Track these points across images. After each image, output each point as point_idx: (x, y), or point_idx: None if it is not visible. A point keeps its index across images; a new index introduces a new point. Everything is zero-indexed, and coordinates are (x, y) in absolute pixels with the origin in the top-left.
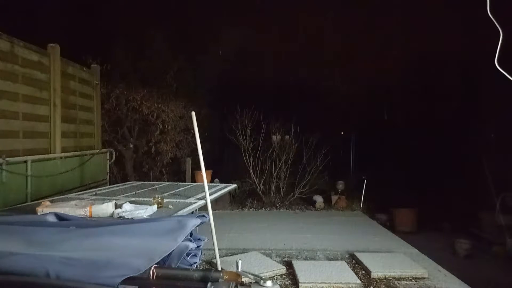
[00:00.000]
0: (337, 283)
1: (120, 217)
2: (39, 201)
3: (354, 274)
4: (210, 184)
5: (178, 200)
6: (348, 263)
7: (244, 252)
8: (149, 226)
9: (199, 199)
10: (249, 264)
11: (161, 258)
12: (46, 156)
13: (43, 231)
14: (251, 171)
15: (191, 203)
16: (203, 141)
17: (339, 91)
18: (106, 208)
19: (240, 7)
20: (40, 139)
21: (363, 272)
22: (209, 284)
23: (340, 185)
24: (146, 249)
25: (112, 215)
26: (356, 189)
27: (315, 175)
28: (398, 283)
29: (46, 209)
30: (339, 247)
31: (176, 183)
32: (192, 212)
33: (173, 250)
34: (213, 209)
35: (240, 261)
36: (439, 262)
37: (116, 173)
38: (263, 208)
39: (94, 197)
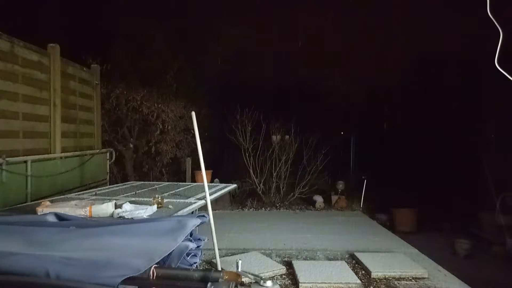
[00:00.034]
0: (337, 283)
1: (120, 217)
2: (39, 201)
3: (354, 274)
4: (210, 184)
5: (178, 200)
6: (348, 263)
7: (244, 252)
8: (149, 226)
9: (199, 199)
10: (249, 264)
11: (161, 258)
12: (46, 156)
13: (43, 231)
14: (251, 171)
15: (191, 203)
16: (203, 141)
17: (339, 91)
18: (106, 208)
19: (240, 7)
20: (40, 139)
21: (363, 272)
22: (209, 284)
23: (340, 185)
24: (146, 249)
25: (112, 215)
26: (356, 189)
27: (315, 175)
28: (398, 283)
29: (46, 209)
30: (339, 247)
31: (176, 183)
32: (192, 212)
33: (173, 250)
34: (213, 209)
35: (240, 261)
36: (439, 262)
37: (116, 173)
38: (263, 208)
39: (94, 197)
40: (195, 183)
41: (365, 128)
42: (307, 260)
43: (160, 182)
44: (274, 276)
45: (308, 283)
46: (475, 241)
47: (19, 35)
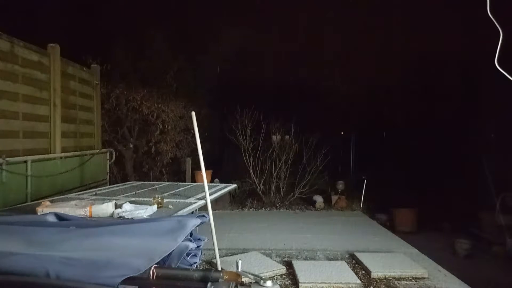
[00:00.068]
0: (337, 283)
1: (120, 217)
2: (39, 201)
3: (354, 274)
4: (210, 184)
5: (178, 200)
6: (348, 263)
7: (244, 252)
8: (149, 226)
9: (199, 199)
10: (249, 264)
11: (161, 258)
12: (46, 156)
13: (43, 231)
14: (251, 171)
15: (191, 203)
16: (203, 141)
17: (339, 91)
18: (106, 208)
19: (240, 7)
20: (40, 139)
21: (363, 272)
22: (209, 284)
23: (340, 185)
24: (146, 249)
25: (112, 215)
26: (356, 189)
27: (315, 175)
28: (398, 283)
29: (46, 209)
30: (339, 247)
31: (176, 183)
32: (192, 212)
33: (173, 250)
34: (213, 209)
35: (240, 261)
36: (439, 262)
37: (116, 173)
38: (263, 208)
39: (94, 197)
40: (195, 183)
41: (365, 128)
42: (307, 260)
43: (160, 182)
44: (274, 276)
45: (308, 283)
46: (475, 241)
47: (19, 35)
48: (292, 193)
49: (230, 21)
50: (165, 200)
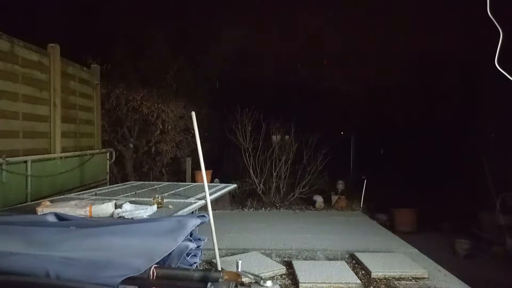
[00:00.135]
0: (337, 283)
1: (120, 217)
2: (39, 201)
3: (354, 274)
4: (210, 184)
5: (178, 200)
6: (348, 263)
7: (244, 252)
8: (149, 226)
9: (199, 199)
10: (249, 264)
11: (161, 258)
12: (46, 156)
13: (43, 231)
14: (251, 171)
15: (191, 203)
16: (203, 141)
17: (339, 91)
18: (106, 208)
19: (240, 7)
20: (40, 139)
21: (363, 272)
22: (209, 284)
23: (340, 185)
24: (146, 249)
25: (112, 215)
26: (356, 189)
27: (315, 175)
28: (398, 283)
29: (46, 209)
30: (339, 247)
31: (176, 183)
32: (192, 212)
33: (173, 250)
34: (213, 209)
35: (240, 261)
36: (439, 262)
37: (116, 173)
38: (263, 208)
39: (94, 197)
40: (195, 183)
41: (365, 128)
42: (307, 260)
43: (160, 182)
44: (274, 276)
45: (308, 283)
46: (475, 241)
47: (19, 35)
48: (292, 193)
49: (230, 21)
50: (165, 200)
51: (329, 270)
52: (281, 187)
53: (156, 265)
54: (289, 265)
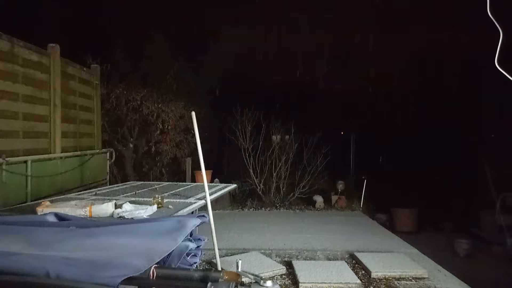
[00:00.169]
0: (337, 283)
1: (120, 217)
2: (39, 201)
3: (354, 274)
4: (210, 184)
5: (178, 200)
6: (348, 263)
7: (244, 252)
8: (149, 226)
9: (199, 199)
10: (249, 264)
11: (161, 258)
12: (46, 156)
13: (43, 231)
14: (251, 171)
15: (191, 203)
16: (203, 141)
17: (339, 91)
18: (106, 208)
19: (240, 7)
20: (40, 139)
21: (363, 272)
22: (209, 284)
23: (340, 185)
24: (146, 249)
25: (112, 215)
26: (356, 189)
27: (315, 175)
28: (398, 283)
29: (46, 209)
30: (339, 247)
31: (176, 183)
32: (192, 212)
33: (173, 250)
34: (213, 209)
35: (240, 261)
36: (439, 262)
37: (116, 173)
38: (263, 208)
39: (94, 197)
40: (195, 183)
41: (365, 128)
42: (307, 260)
43: (160, 182)
44: (274, 276)
45: (308, 283)
46: (475, 241)
47: (19, 35)
48: (292, 193)
49: (230, 21)
50: (165, 200)
51: (329, 270)
52: (281, 187)
53: (156, 265)
54: (289, 265)
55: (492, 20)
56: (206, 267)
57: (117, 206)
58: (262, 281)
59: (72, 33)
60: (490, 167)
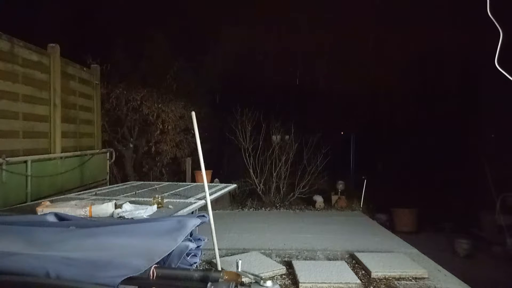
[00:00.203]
0: (337, 283)
1: (120, 217)
2: (39, 201)
3: (354, 274)
4: (210, 184)
5: (178, 200)
6: (348, 263)
7: (244, 252)
8: (149, 226)
9: (199, 199)
10: (249, 264)
11: (161, 258)
12: (46, 156)
13: (43, 231)
14: (251, 171)
15: (191, 203)
16: (203, 141)
17: (339, 91)
18: (106, 208)
19: (240, 7)
20: (40, 139)
21: (363, 272)
22: (209, 284)
23: (340, 185)
24: (146, 249)
25: (112, 215)
26: (356, 189)
27: (315, 175)
28: (398, 283)
29: (46, 209)
30: (339, 247)
31: (176, 183)
32: (192, 212)
33: (173, 250)
34: (213, 209)
35: (240, 261)
36: (439, 262)
37: (116, 173)
38: (263, 208)
39: (94, 197)
40: (195, 183)
41: (365, 128)
42: (307, 260)
43: (160, 182)
44: (274, 276)
45: (308, 283)
46: (475, 241)
47: (19, 35)
48: (292, 193)
49: (230, 21)
50: (165, 200)
51: (329, 270)
52: (281, 187)
53: (156, 265)
54: (289, 265)
55: (492, 20)
56: (206, 267)
57: (117, 206)
58: (262, 281)
59: (72, 33)
60: (490, 167)
